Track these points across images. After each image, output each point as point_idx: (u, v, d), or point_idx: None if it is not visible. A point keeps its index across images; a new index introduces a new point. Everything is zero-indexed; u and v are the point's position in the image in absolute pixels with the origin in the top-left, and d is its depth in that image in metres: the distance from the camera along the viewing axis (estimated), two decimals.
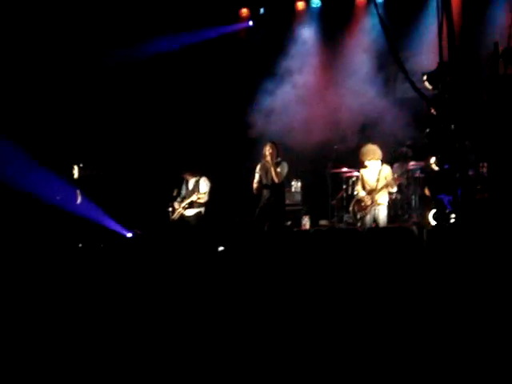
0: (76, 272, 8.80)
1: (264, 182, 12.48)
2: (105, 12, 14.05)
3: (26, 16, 12.88)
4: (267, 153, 12.40)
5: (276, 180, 12.34)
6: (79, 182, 12.45)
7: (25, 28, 12.79)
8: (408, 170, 13.25)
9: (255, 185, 12.51)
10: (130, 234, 12.12)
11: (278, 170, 12.37)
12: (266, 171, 12.46)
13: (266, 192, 12.45)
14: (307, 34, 16.03)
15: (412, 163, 13.62)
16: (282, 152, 12.91)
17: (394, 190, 12.61)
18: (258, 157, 12.75)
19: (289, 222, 14.26)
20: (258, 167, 12.54)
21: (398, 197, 13.64)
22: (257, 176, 12.52)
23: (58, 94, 13.11)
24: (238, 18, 16.47)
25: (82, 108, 13.83)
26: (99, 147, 13.92)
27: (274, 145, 12.55)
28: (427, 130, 10.04)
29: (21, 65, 12.66)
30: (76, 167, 12.42)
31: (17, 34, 12.74)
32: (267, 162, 12.42)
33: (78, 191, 12.44)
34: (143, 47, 14.56)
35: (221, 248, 10.93)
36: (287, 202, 14.40)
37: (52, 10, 13.21)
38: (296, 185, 15.04)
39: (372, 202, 12.08)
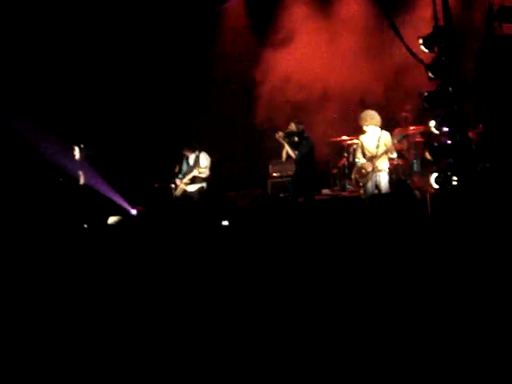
0: (81, 250, 8.83)
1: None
2: None
3: None
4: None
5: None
6: (81, 162, 12.45)
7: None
8: (408, 135, 13.22)
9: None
10: (134, 211, 12.16)
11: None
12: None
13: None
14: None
15: (412, 128, 13.60)
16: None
17: (394, 155, 12.59)
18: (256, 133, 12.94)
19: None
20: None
21: (400, 162, 13.64)
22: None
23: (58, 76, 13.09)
24: None
25: (81, 89, 13.81)
26: (99, 126, 13.91)
27: (297, 123, 12.91)
28: (425, 94, 10.05)
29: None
30: (77, 148, 12.42)
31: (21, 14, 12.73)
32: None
33: (81, 172, 12.46)
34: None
35: (225, 222, 10.97)
36: (289, 173, 14.49)
37: None
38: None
39: (373, 168, 12.08)
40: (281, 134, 12.80)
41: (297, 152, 12.68)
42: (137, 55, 14.95)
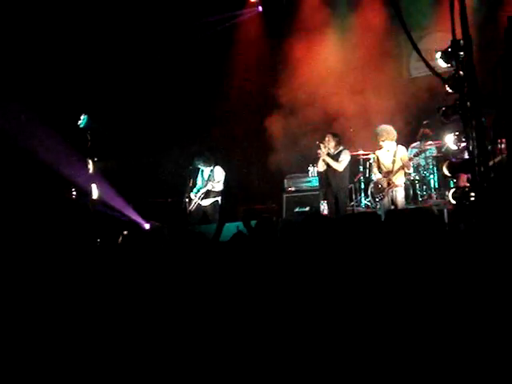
0: (93, 266, 8.77)
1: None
2: None
3: None
4: (326, 144, 12.82)
5: (339, 169, 12.73)
6: (95, 175, 12.41)
7: None
8: (425, 150, 13.09)
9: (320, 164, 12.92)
10: (147, 226, 12.10)
11: (340, 159, 12.73)
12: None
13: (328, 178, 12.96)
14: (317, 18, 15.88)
15: (429, 142, 13.50)
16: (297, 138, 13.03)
17: (411, 170, 12.50)
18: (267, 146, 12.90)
19: (307, 208, 14.19)
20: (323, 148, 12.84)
21: (417, 177, 13.53)
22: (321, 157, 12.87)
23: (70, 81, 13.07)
24: (247, 4, 16.31)
25: (98, 102, 13.80)
26: (114, 139, 13.88)
27: (333, 135, 12.96)
28: (443, 108, 9.93)
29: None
30: (90, 161, 12.38)
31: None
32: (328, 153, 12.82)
33: (94, 186, 12.42)
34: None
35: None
36: (304, 187, 14.42)
37: None
38: (312, 170, 14.94)
39: (389, 184, 11.96)
40: (324, 151, 12.77)
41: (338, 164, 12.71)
42: (153, 68, 14.90)
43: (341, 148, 12.82)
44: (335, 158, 12.73)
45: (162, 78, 15.16)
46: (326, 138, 12.82)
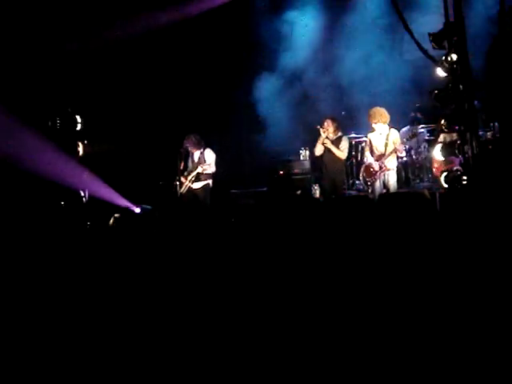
0: (85, 251, 8.73)
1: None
2: None
3: None
4: (325, 129, 12.67)
5: (342, 157, 12.72)
6: (84, 159, 12.32)
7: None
8: (417, 133, 13.05)
9: (319, 147, 12.78)
10: (138, 210, 12.04)
11: (341, 146, 12.63)
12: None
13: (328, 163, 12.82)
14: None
15: (420, 126, 13.49)
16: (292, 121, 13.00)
17: (403, 154, 12.49)
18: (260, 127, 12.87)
19: (298, 191, 14.15)
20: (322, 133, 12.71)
21: (409, 160, 13.52)
22: (320, 140, 12.74)
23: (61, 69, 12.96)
24: None
25: (84, 85, 13.69)
26: (103, 123, 13.78)
27: (332, 120, 12.77)
28: (435, 92, 9.90)
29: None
30: (81, 144, 12.29)
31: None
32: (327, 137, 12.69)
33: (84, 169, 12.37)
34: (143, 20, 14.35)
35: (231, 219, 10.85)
36: (296, 171, 14.39)
37: None
38: (304, 153, 14.90)
39: (381, 167, 11.92)
40: (323, 135, 12.67)
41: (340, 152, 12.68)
42: (142, 54, 14.80)
43: (340, 133, 12.75)
44: (335, 143, 12.64)
45: (151, 62, 15.04)
46: (326, 123, 12.69)
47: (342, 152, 12.60)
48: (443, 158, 11.45)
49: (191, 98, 15.28)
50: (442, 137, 11.94)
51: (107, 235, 9.70)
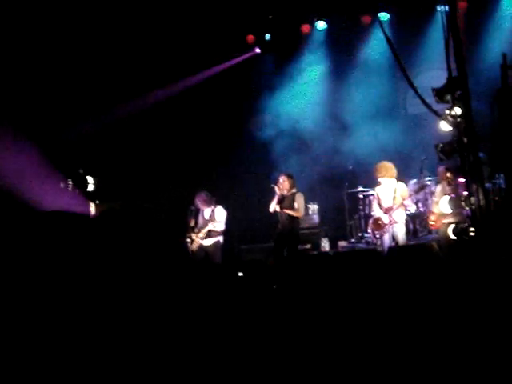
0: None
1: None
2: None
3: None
4: (281, 186, 12.76)
5: (299, 216, 12.87)
6: (96, 217, 12.46)
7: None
8: (424, 186, 13.14)
9: (274, 205, 12.80)
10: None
11: (295, 205, 12.73)
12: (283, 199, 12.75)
13: (283, 219, 12.74)
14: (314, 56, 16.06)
15: (428, 178, 13.58)
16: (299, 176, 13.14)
17: (413, 208, 12.58)
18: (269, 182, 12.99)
19: (308, 245, 14.22)
20: (277, 190, 12.75)
21: (416, 212, 13.58)
22: (276, 198, 12.77)
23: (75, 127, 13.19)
24: (245, 46, 16.44)
25: (95, 147, 13.90)
26: (114, 182, 13.95)
27: (288, 176, 12.88)
28: (440, 145, 10.00)
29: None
30: (92, 204, 12.45)
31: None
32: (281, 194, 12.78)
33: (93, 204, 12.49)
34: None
35: (240, 274, 10.88)
36: (306, 225, 14.46)
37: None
38: (313, 207, 15.01)
39: (389, 220, 11.99)
40: (278, 192, 12.77)
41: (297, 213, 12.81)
42: (153, 111, 15.02)
43: (294, 190, 12.86)
44: (289, 199, 12.75)
45: (161, 120, 15.26)
46: (281, 179, 12.82)
47: (298, 211, 12.75)
48: (451, 211, 11.53)
49: (200, 154, 15.46)
50: (439, 189, 12.10)
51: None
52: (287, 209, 12.67)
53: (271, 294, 8.83)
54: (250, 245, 14.97)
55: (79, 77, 13.52)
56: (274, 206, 12.78)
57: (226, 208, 13.25)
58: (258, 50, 16.49)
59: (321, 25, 15.94)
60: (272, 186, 12.81)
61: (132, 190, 14.16)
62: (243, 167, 15.76)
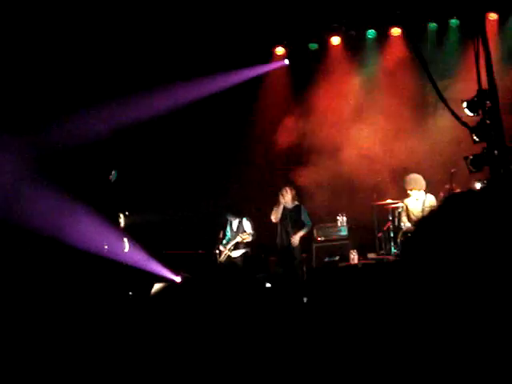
0: (127, 320, 8.78)
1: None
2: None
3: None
4: (284, 196, 13.01)
5: (306, 231, 13.26)
6: (126, 229, 12.53)
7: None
8: None
9: (278, 215, 13.03)
10: (178, 279, 12.15)
11: (302, 217, 13.13)
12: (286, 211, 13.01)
13: (283, 231, 13.14)
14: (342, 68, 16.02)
15: (457, 190, 13.48)
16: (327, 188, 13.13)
17: None
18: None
19: (336, 257, 14.17)
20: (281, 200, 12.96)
21: None
22: (279, 208, 12.98)
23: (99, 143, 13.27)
24: (273, 57, 16.46)
25: (126, 156, 13.97)
26: (144, 194, 14.01)
27: (291, 188, 13.18)
28: (470, 157, 9.94)
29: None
30: (122, 215, 12.52)
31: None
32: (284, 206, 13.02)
33: (126, 239, 12.55)
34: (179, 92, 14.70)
35: (268, 285, 10.87)
36: (334, 237, 14.42)
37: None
38: (341, 219, 14.94)
39: None
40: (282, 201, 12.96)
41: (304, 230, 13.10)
42: (179, 123, 15.06)
43: (297, 202, 13.13)
44: (293, 211, 13.00)
45: (188, 132, 15.29)
46: (284, 191, 12.99)
47: (306, 227, 13.20)
48: None
49: (228, 166, 15.48)
50: None
51: (148, 305, 9.80)
52: (293, 223, 12.95)
53: (302, 306, 8.81)
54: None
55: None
56: (276, 217, 12.98)
57: (255, 220, 13.26)
58: (286, 62, 16.50)
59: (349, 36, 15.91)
60: (278, 194, 12.97)
61: (159, 202, 14.19)
62: (271, 177, 15.74)
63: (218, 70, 15.33)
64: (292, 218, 12.86)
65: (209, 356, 6.60)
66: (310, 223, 13.15)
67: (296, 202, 13.03)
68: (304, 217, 12.95)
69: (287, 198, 12.87)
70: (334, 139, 15.46)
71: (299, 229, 13.08)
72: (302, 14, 14.44)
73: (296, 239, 12.90)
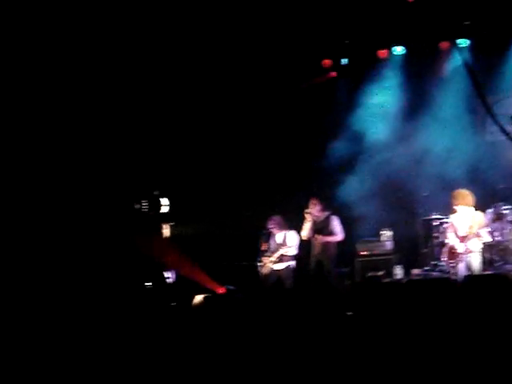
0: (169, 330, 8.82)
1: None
2: None
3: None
4: (312, 210, 12.84)
5: (338, 239, 12.93)
6: (171, 240, 12.61)
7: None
8: (501, 216, 12.87)
9: (307, 231, 12.87)
10: (222, 290, 12.16)
11: (332, 228, 12.85)
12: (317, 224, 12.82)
13: (317, 245, 12.92)
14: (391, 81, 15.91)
15: (505, 207, 13.31)
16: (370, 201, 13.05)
17: (489, 238, 12.27)
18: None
19: (380, 272, 14.05)
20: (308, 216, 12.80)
21: (493, 242, 13.30)
22: (309, 224, 12.84)
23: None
24: (321, 70, 16.42)
25: (170, 168, 14.07)
26: (189, 205, 14.07)
27: (319, 199, 12.99)
28: None
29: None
30: (167, 226, 12.60)
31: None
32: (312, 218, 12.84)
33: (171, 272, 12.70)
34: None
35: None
36: (378, 252, 14.32)
37: None
38: (386, 234, 14.82)
39: (465, 249, 11.76)
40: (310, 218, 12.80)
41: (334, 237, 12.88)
42: (227, 130, 15.09)
43: (327, 213, 12.92)
44: (323, 224, 12.82)
45: (236, 139, 15.27)
46: (311, 204, 12.86)
47: (335, 235, 12.83)
48: None
49: (273, 178, 15.42)
50: None
51: (191, 316, 9.81)
52: (323, 234, 12.75)
53: (346, 320, 8.75)
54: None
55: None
56: (306, 233, 12.86)
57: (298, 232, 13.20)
58: (334, 74, 16.44)
59: (398, 50, 15.78)
60: (305, 211, 12.85)
61: (205, 212, 14.23)
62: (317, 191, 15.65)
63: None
64: (321, 231, 12.75)
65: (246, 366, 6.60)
66: (340, 234, 12.89)
67: (326, 213, 12.89)
68: (333, 226, 12.78)
69: (315, 211, 12.77)
70: (381, 153, 15.34)
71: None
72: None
73: (318, 238, 12.74)
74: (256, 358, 7.33)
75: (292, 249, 12.98)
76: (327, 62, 16.37)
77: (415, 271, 14.32)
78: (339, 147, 15.32)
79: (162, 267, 12.53)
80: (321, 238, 12.73)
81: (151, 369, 7.15)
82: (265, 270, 13.01)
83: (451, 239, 12.08)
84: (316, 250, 12.86)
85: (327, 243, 12.79)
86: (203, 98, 14.57)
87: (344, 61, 16.26)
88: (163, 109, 14.12)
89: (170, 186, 13.38)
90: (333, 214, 12.93)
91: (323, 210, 12.88)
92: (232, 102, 15.03)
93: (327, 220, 12.80)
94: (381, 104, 15.76)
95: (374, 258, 14.36)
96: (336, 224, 12.82)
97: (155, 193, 12.78)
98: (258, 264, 13.11)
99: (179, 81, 14.15)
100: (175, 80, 14.03)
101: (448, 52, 15.37)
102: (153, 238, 12.46)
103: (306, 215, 12.79)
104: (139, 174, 13.03)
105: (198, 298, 10.48)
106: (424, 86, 15.55)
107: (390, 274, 14.33)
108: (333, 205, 13.69)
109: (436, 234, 14.16)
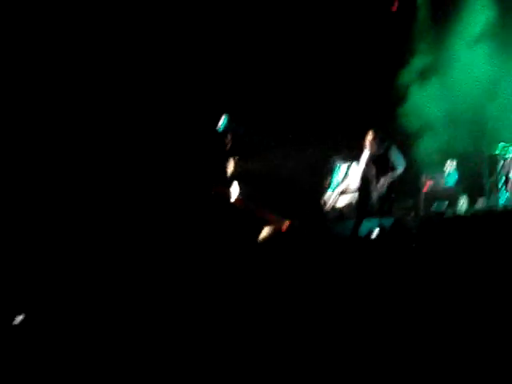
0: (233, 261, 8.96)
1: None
2: None
3: None
4: (370, 143, 12.14)
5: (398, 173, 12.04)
6: (236, 175, 12.73)
7: None
8: None
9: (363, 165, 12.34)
10: (286, 225, 12.27)
11: (391, 160, 11.94)
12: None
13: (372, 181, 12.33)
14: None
15: None
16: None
17: None
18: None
19: (445, 205, 13.99)
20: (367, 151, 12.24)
21: None
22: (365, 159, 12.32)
23: None
24: None
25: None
26: (251, 138, 14.12)
27: (375, 131, 12.17)
28: None
29: None
30: (232, 160, 12.72)
31: None
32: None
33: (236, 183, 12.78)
34: None
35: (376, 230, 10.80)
36: (441, 183, 14.20)
37: None
38: (451, 164, 14.65)
39: None
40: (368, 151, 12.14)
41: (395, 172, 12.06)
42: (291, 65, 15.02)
43: (386, 144, 12.08)
44: (384, 157, 11.97)
45: (299, 74, 15.15)
46: (369, 136, 12.04)
47: (396, 168, 11.94)
48: None
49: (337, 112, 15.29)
50: None
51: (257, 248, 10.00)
52: (384, 166, 11.89)
53: (409, 252, 8.79)
54: None
55: None
56: (362, 166, 12.25)
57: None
58: None
59: None
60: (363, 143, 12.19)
61: (270, 147, 14.25)
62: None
63: None
64: (379, 165, 12.00)
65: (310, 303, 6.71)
66: (401, 166, 11.90)
67: (386, 143, 11.99)
68: (394, 158, 11.89)
69: (373, 144, 11.98)
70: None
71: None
72: None
73: (380, 183, 11.88)
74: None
75: (354, 183, 12.92)
76: None
77: (479, 204, 14.24)
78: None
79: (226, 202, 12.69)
80: (383, 180, 11.96)
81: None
82: (328, 205, 13.04)
83: None
84: (376, 183, 12.27)
85: (387, 176, 12.00)
86: None
87: None
88: None
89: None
90: (391, 144, 12.13)
91: (382, 140, 12.11)
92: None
93: (387, 152, 12.04)
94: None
95: (439, 189, 14.26)
96: (395, 153, 11.99)
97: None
98: (322, 198, 13.14)
99: None
100: None
101: None
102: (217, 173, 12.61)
103: (365, 148, 12.16)
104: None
105: (265, 231, 10.67)
106: None
107: (454, 205, 14.27)
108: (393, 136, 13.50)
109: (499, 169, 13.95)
